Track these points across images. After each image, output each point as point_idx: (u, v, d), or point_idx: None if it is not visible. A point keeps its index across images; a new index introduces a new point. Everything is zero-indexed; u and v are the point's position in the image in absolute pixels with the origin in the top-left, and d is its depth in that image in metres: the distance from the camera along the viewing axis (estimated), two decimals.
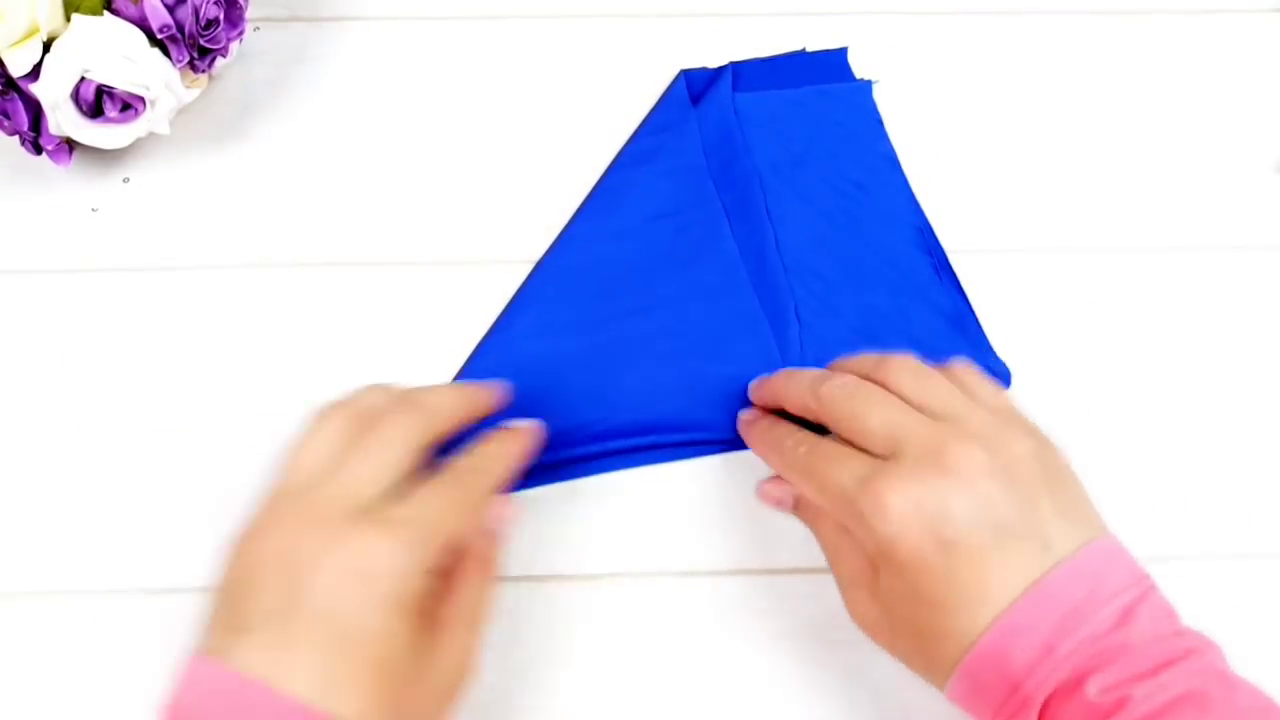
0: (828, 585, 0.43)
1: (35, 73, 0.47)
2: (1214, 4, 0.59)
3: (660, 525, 0.44)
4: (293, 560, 0.31)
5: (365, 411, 0.36)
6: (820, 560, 0.43)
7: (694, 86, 0.55)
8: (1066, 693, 0.32)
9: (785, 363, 0.47)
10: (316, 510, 0.33)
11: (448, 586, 0.34)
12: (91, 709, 0.40)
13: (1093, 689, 0.31)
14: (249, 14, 0.52)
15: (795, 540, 0.44)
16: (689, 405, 0.46)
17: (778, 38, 0.57)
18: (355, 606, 0.31)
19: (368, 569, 0.31)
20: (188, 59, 0.49)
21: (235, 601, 0.32)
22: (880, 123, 0.55)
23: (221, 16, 0.50)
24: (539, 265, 0.50)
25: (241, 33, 0.52)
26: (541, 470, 0.44)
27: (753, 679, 0.41)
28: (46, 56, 0.47)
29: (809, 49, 0.57)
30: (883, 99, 0.56)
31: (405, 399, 0.37)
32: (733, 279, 0.49)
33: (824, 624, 0.42)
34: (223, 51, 0.51)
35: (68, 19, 0.47)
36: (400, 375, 0.47)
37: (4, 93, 0.48)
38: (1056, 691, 0.32)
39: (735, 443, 0.45)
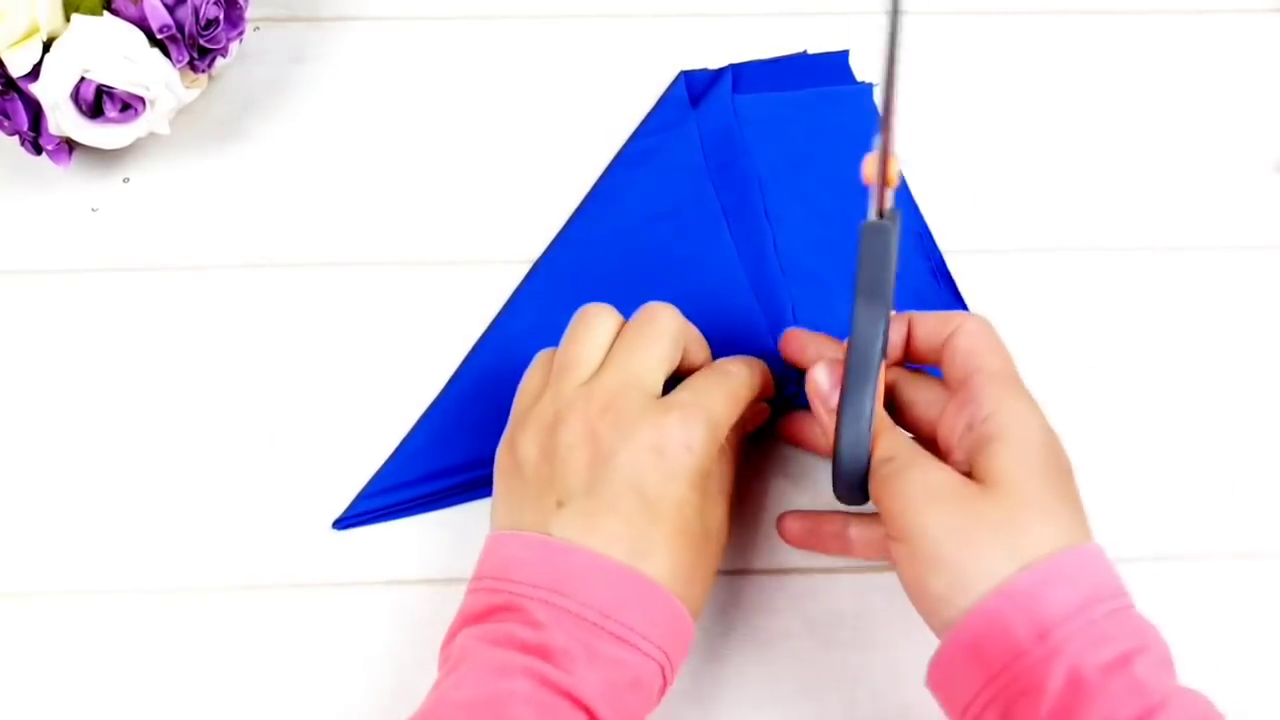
0: (829, 586, 0.43)
1: (35, 73, 0.47)
2: (1214, 4, 0.59)
3: None
4: (598, 442, 0.35)
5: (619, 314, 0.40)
6: (824, 561, 0.43)
7: (694, 88, 0.55)
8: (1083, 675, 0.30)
9: (781, 364, 0.47)
10: (610, 397, 0.36)
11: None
12: (93, 709, 0.40)
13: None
14: (249, 14, 0.52)
15: None
16: None
17: (777, 38, 0.57)
18: (658, 479, 0.34)
19: (668, 447, 0.35)
20: (187, 59, 0.49)
21: (545, 482, 0.35)
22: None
23: (221, 16, 0.50)
24: (537, 264, 0.50)
25: (241, 33, 0.52)
26: None
27: (755, 679, 0.41)
28: (46, 56, 0.47)
29: (810, 50, 0.57)
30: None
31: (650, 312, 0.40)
32: (731, 280, 0.49)
33: (825, 624, 0.42)
34: (222, 51, 0.51)
35: (67, 19, 0.47)
36: (399, 374, 0.47)
37: (4, 93, 0.48)
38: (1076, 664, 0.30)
39: None
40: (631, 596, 0.34)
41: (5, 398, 0.47)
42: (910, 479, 0.34)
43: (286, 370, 0.48)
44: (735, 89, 0.55)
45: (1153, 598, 0.43)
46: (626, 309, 0.48)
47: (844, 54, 0.57)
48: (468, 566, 0.43)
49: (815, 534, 0.42)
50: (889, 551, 0.35)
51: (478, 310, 0.49)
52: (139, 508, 0.44)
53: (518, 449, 0.37)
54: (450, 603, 0.42)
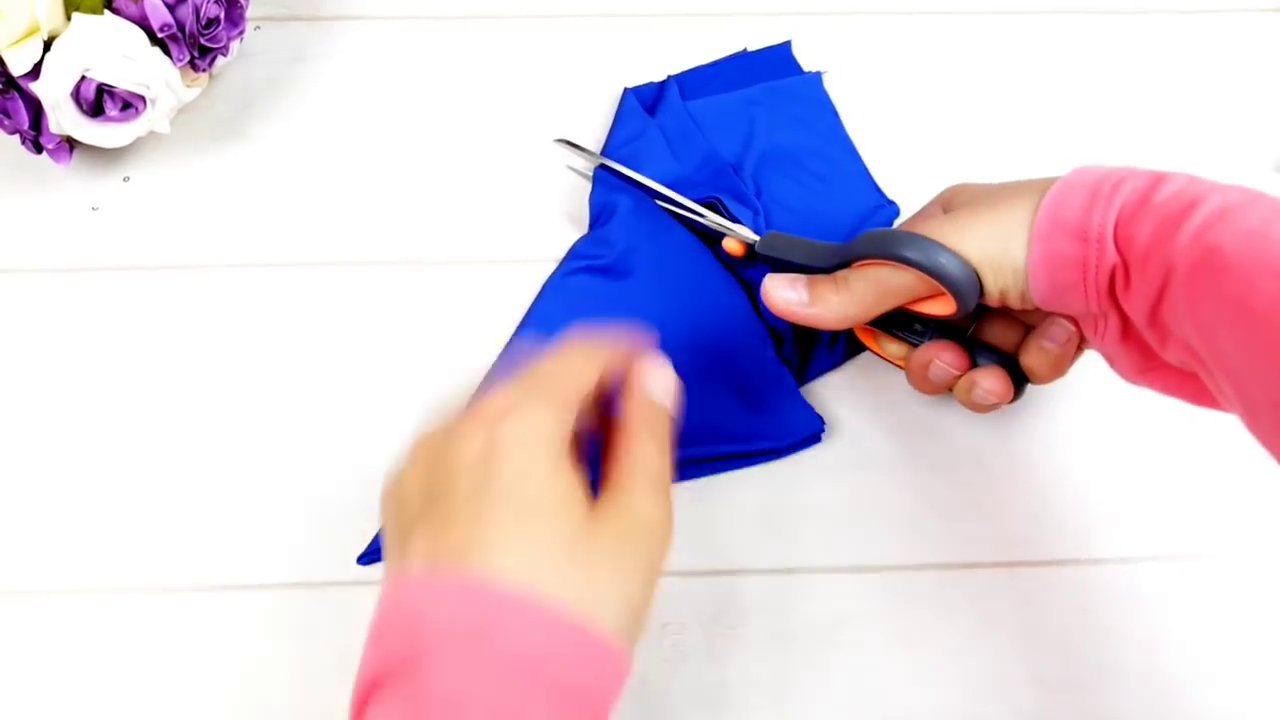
0: (831, 586, 0.43)
1: (36, 71, 0.47)
2: (1214, 4, 0.59)
3: None
4: (455, 468, 0.32)
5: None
6: (825, 562, 0.43)
7: (642, 101, 0.54)
8: (1132, 216, 0.35)
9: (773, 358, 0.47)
10: (458, 438, 0.32)
11: (610, 456, 0.34)
12: (91, 709, 0.40)
13: (1160, 196, 0.35)
14: (249, 13, 0.52)
15: (802, 541, 0.44)
16: (693, 426, 0.45)
17: (776, 37, 0.57)
18: (528, 471, 0.31)
19: (523, 435, 0.31)
20: (188, 58, 0.49)
21: (421, 518, 0.32)
22: (834, 111, 0.55)
23: (222, 15, 0.50)
24: (541, 291, 0.49)
25: (242, 32, 0.52)
26: None
27: (755, 678, 0.41)
28: (47, 55, 0.47)
29: (750, 49, 0.57)
30: (878, 103, 0.56)
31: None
32: (729, 287, 0.49)
33: (828, 625, 0.42)
34: (223, 50, 0.51)
35: (68, 18, 0.47)
36: (398, 374, 0.47)
37: (4, 91, 0.48)
38: (1121, 217, 0.35)
39: (748, 459, 0.45)
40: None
41: (5, 397, 0.47)
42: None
43: (286, 369, 0.47)
44: (684, 96, 0.54)
45: (1153, 597, 0.43)
46: (641, 312, 0.48)
47: (786, 45, 0.57)
48: None
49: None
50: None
51: (478, 309, 0.49)
52: (138, 507, 0.44)
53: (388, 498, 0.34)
54: None
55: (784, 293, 0.42)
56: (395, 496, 0.33)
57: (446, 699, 0.28)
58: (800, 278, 0.43)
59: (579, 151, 0.51)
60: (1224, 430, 0.46)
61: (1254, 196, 0.34)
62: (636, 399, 0.36)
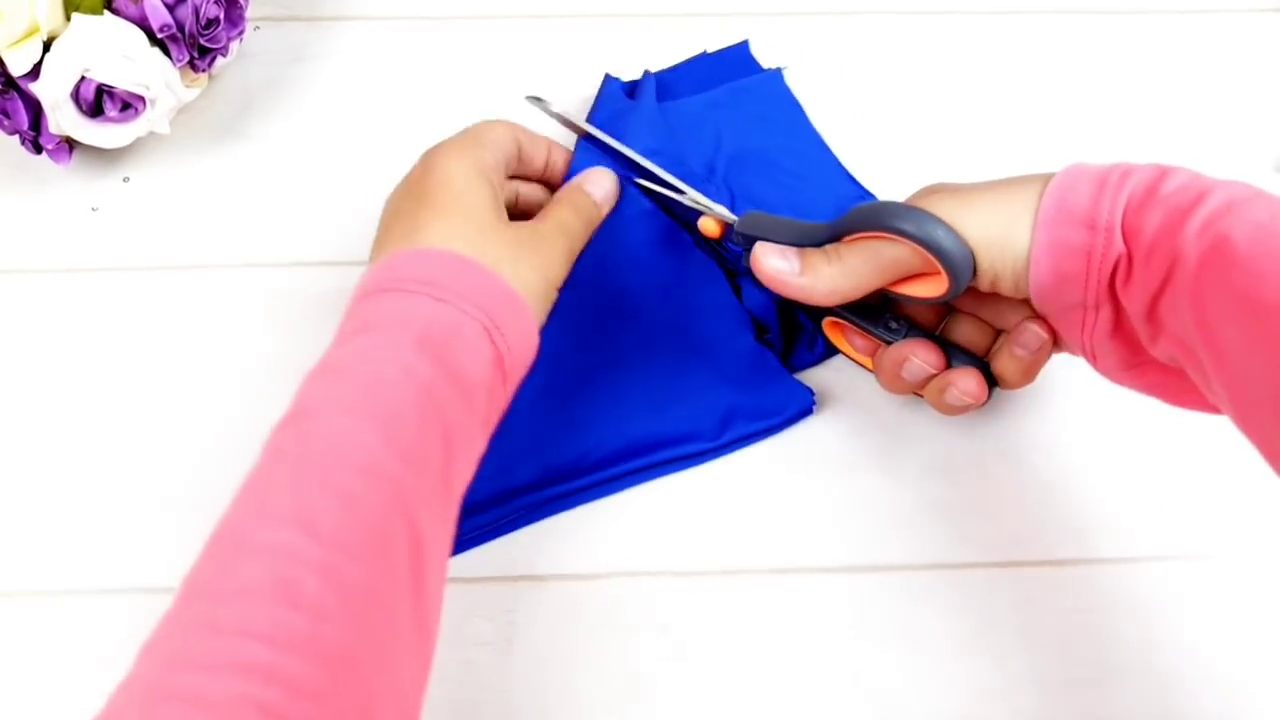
0: (831, 586, 0.43)
1: (35, 72, 0.47)
2: (1214, 4, 0.59)
3: (661, 526, 0.44)
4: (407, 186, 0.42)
5: None
6: (823, 561, 0.43)
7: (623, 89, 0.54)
8: (1140, 206, 0.36)
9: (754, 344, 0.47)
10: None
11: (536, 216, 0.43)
12: (92, 709, 0.40)
13: (1167, 189, 0.35)
14: (249, 13, 0.52)
15: (799, 541, 0.44)
16: (686, 413, 0.46)
17: (773, 38, 0.57)
18: (450, 180, 0.41)
19: (447, 155, 0.41)
20: (188, 58, 0.50)
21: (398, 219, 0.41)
22: (799, 106, 0.55)
23: (221, 16, 0.50)
24: None
25: (241, 32, 0.52)
26: (549, 503, 0.44)
27: (755, 679, 0.41)
28: (47, 56, 0.47)
29: (710, 51, 0.56)
30: (877, 104, 0.56)
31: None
32: (708, 271, 0.49)
33: (828, 625, 0.42)
34: (223, 51, 0.51)
35: (68, 18, 0.47)
36: None
37: (4, 92, 0.48)
38: (1129, 207, 0.36)
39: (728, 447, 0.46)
40: (436, 267, 0.38)
41: (5, 397, 0.47)
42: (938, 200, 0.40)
43: (286, 370, 0.47)
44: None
45: (1153, 597, 0.43)
46: (615, 324, 0.47)
47: (744, 45, 0.57)
48: (461, 567, 0.43)
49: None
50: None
51: None
52: (139, 507, 0.44)
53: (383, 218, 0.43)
54: (454, 601, 0.42)
55: (774, 261, 0.41)
56: (381, 219, 0.42)
57: (354, 320, 0.38)
58: (791, 248, 0.42)
59: (550, 114, 0.49)
60: (1224, 430, 0.46)
61: (1256, 192, 0.34)
62: (573, 184, 0.45)
